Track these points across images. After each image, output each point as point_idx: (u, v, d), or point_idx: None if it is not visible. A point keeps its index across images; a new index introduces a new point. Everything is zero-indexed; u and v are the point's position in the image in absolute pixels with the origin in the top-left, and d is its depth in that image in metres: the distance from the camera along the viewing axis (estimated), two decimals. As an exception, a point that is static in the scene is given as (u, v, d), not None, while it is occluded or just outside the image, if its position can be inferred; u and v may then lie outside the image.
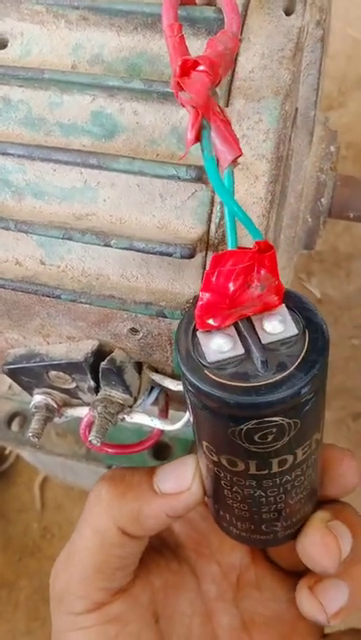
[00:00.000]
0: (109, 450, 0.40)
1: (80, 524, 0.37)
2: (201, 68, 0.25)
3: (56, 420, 0.41)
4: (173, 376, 0.38)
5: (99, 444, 0.37)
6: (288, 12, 0.31)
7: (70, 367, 0.37)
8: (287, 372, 0.26)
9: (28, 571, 0.76)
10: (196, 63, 0.25)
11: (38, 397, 0.40)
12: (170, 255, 0.31)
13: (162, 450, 0.57)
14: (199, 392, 0.26)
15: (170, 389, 0.38)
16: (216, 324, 0.27)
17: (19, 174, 0.33)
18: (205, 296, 0.26)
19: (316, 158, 0.41)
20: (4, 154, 0.32)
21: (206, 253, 0.32)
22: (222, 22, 0.30)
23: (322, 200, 0.41)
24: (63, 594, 0.37)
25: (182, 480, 0.35)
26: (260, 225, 0.31)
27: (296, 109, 0.36)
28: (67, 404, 0.41)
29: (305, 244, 0.43)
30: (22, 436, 0.59)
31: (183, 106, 0.26)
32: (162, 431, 0.41)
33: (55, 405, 0.40)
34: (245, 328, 0.27)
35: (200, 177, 0.30)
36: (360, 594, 0.36)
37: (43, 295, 0.33)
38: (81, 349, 0.37)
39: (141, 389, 0.39)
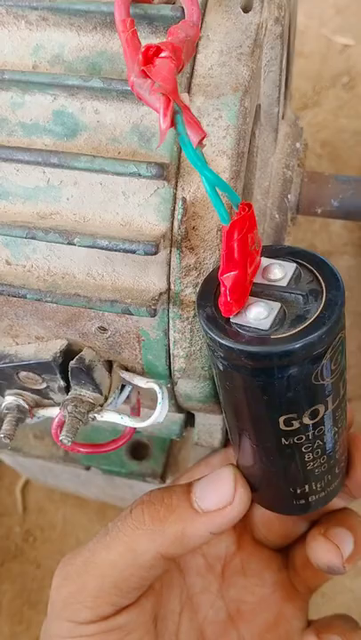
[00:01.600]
0: (82, 449, 0.40)
1: (108, 540, 0.36)
2: (164, 54, 0.25)
3: (28, 420, 0.41)
4: (143, 374, 0.38)
5: (69, 444, 0.37)
6: (246, 9, 0.32)
7: (40, 367, 0.37)
8: (324, 295, 0.28)
9: (11, 575, 0.75)
10: (158, 50, 0.25)
11: (9, 398, 0.40)
12: (133, 252, 0.31)
13: (140, 449, 0.57)
14: (268, 355, 0.27)
15: (140, 387, 0.38)
16: (241, 305, 0.28)
17: (-18, 175, 0.33)
18: (230, 276, 0.28)
19: (282, 155, 0.41)
20: (-35, 154, 0.32)
21: (170, 250, 0.32)
22: (179, 19, 0.30)
23: (289, 196, 0.42)
24: (70, 600, 0.36)
25: (223, 494, 0.35)
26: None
27: (259, 106, 0.36)
28: (38, 405, 0.41)
29: (273, 241, 0.43)
30: None
31: (140, 98, 0.27)
32: (135, 429, 0.41)
33: (27, 406, 0.40)
34: (263, 288, 0.29)
35: (161, 174, 0.30)
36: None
37: (9, 295, 0.33)
38: (50, 349, 0.37)
39: (112, 388, 0.39)
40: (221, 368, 0.30)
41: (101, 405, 0.38)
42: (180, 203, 0.31)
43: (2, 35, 0.32)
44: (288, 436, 0.31)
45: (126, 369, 0.39)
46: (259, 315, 0.28)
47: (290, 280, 0.29)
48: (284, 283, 0.29)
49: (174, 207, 0.31)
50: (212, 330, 0.28)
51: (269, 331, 0.28)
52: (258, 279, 0.30)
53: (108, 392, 0.39)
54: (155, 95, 0.25)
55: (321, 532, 0.38)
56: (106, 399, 0.38)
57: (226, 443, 0.48)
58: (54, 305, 0.35)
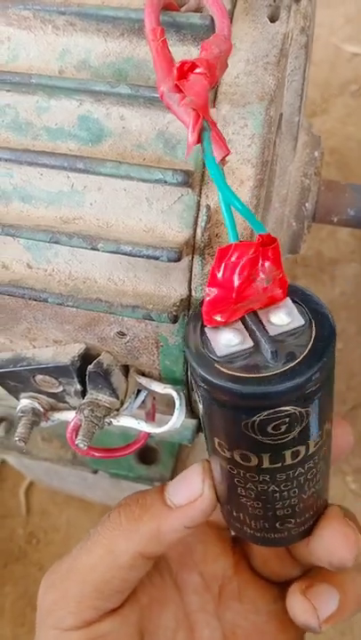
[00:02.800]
0: (96, 454, 0.40)
1: (89, 544, 0.37)
2: (199, 70, 0.25)
3: (42, 424, 0.41)
4: (160, 379, 0.38)
5: (85, 448, 0.37)
6: (273, 19, 0.32)
7: (57, 371, 0.37)
8: (297, 361, 0.26)
9: (14, 577, 0.75)
10: (193, 65, 0.25)
11: (25, 401, 0.40)
12: (156, 259, 0.31)
13: (148, 454, 0.57)
14: (211, 386, 0.27)
15: (157, 392, 0.38)
16: (223, 320, 0.28)
17: (5, 178, 0.33)
18: (212, 291, 0.27)
19: (300, 163, 0.42)
20: (-10, 158, 0.32)
21: (192, 257, 0.32)
22: (208, 28, 0.30)
23: (306, 205, 0.42)
24: (54, 607, 0.37)
25: (193, 488, 0.36)
26: (245, 230, 0.32)
27: (281, 115, 0.36)
28: (53, 408, 0.41)
29: (290, 249, 0.43)
30: (8, 441, 0.59)
31: (169, 108, 0.27)
32: (148, 435, 0.41)
33: (42, 409, 0.40)
34: (253, 321, 0.28)
35: (186, 181, 0.30)
36: (348, 604, 0.36)
37: (29, 299, 0.33)
38: (68, 353, 0.37)
39: (128, 393, 0.39)
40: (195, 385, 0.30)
41: (117, 410, 0.38)
42: (204, 210, 0.31)
43: (28, 39, 0.33)
44: (258, 471, 0.31)
45: (143, 374, 0.39)
46: (230, 341, 0.28)
47: (287, 332, 0.28)
48: (280, 330, 0.28)
49: (198, 214, 0.32)
50: (190, 354, 0.28)
51: (220, 359, 0.27)
52: (263, 312, 0.28)
53: (125, 397, 0.39)
54: (184, 108, 0.26)
55: (302, 588, 0.37)
56: (122, 404, 0.39)
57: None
58: (74, 309, 0.35)
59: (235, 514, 0.35)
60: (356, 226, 0.44)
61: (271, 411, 0.26)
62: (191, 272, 0.33)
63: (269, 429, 0.27)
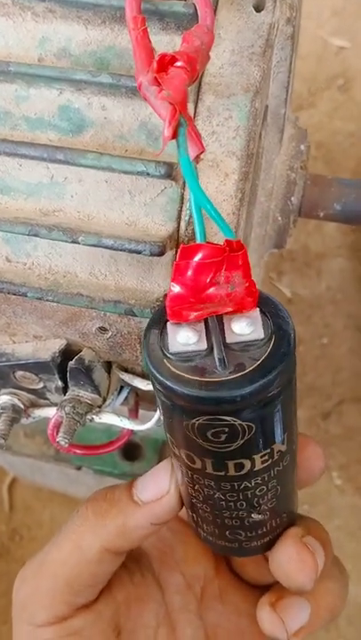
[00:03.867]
0: (78, 451, 0.39)
1: (59, 539, 0.37)
2: (179, 63, 0.24)
3: (23, 420, 0.41)
4: (143, 375, 0.38)
5: (67, 446, 0.36)
6: (258, 9, 0.31)
7: (37, 367, 0.37)
8: (242, 373, 0.25)
9: (-4, 574, 0.75)
10: (173, 59, 0.24)
11: (4, 398, 0.39)
12: (139, 252, 0.30)
13: (132, 450, 0.56)
14: (156, 381, 0.26)
15: (140, 389, 0.37)
16: (185, 317, 0.27)
17: (-16, 169, 0.32)
18: (175, 287, 0.26)
19: (286, 157, 0.41)
20: (-32, 148, 0.31)
21: (176, 251, 0.32)
22: (191, 17, 0.29)
23: (292, 199, 0.41)
24: (27, 602, 0.36)
25: (160, 485, 0.35)
26: (231, 223, 0.31)
27: (266, 107, 0.36)
28: (34, 405, 0.40)
29: (275, 243, 0.43)
30: (-11, 437, 0.58)
31: (147, 100, 0.26)
32: (132, 431, 0.40)
33: (22, 406, 0.39)
34: (214, 325, 0.27)
35: (170, 173, 0.29)
36: (320, 614, 0.35)
37: (8, 293, 0.33)
38: (48, 349, 0.36)
39: (110, 389, 0.38)
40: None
41: (100, 407, 0.38)
42: (187, 204, 0.30)
43: (7, 26, 0.32)
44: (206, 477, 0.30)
45: (126, 370, 0.38)
46: (187, 339, 0.27)
47: (244, 342, 0.26)
48: (237, 339, 0.27)
49: (181, 208, 0.31)
50: (148, 358, 0.27)
51: (172, 355, 0.26)
52: (227, 318, 0.27)
53: (107, 393, 0.38)
54: (161, 101, 0.25)
55: (271, 600, 0.36)
56: (104, 400, 0.38)
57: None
58: (54, 304, 0.34)
59: (190, 512, 0.35)
60: (342, 221, 0.43)
61: (210, 417, 0.25)
62: (174, 267, 0.32)
63: (209, 435, 0.26)
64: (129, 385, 0.38)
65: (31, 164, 0.31)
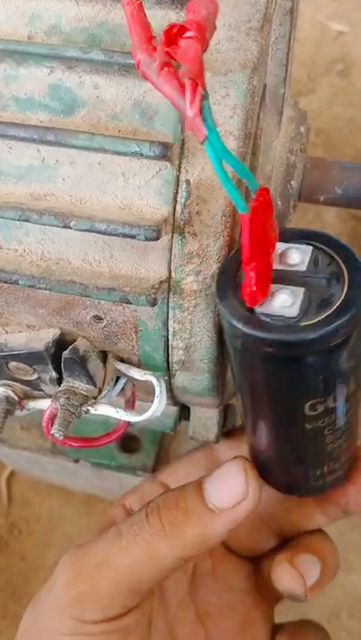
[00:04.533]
0: (74, 443, 0.38)
1: (126, 543, 0.36)
2: (189, 33, 0.23)
3: (17, 413, 0.39)
4: (140, 365, 0.37)
5: (62, 438, 0.35)
6: (256, -19, 0.30)
7: (31, 357, 0.35)
8: (345, 284, 0.27)
9: (-5, 568, 0.74)
10: (183, 29, 0.23)
11: (-1, 389, 0.38)
12: (133, 237, 0.29)
13: (130, 442, 0.55)
14: (288, 345, 0.27)
15: (136, 379, 0.36)
16: (266, 293, 0.28)
17: (-28, 152, 0.31)
18: (254, 265, 0.27)
19: (285, 139, 0.40)
20: None
21: (172, 236, 0.30)
22: (187, -10, 0.28)
23: (292, 182, 0.40)
24: (80, 599, 0.36)
25: (237, 490, 0.35)
26: (228, 206, 0.30)
27: (265, 86, 0.34)
28: (28, 397, 0.39)
29: (275, 229, 0.42)
30: (-15, 430, 0.57)
31: (146, 78, 0.25)
32: (129, 423, 0.39)
33: (16, 398, 0.38)
34: (282, 274, 0.28)
35: (164, 154, 0.28)
36: (328, 571, 0.38)
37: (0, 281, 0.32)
38: (42, 338, 0.35)
39: (106, 380, 0.37)
40: (247, 359, 0.29)
41: (95, 398, 0.37)
42: (183, 185, 0.29)
43: (-5, 2, 0.30)
44: (312, 420, 0.31)
45: (122, 360, 0.37)
46: (284, 302, 0.27)
47: (309, 264, 0.29)
48: (303, 267, 0.29)
49: (177, 190, 0.30)
50: (240, 322, 0.27)
51: (297, 318, 0.27)
52: (276, 265, 0.29)
53: (103, 384, 0.37)
54: (165, 77, 0.23)
55: (288, 557, 0.38)
56: (100, 391, 0.37)
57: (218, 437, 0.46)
58: (47, 292, 0.33)
59: (316, 471, 0.35)
60: (344, 205, 0.42)
61: (299, 359, 0.27)
62: (171, 252, 0.31)
63: (299, 379, 0.28)
64: (125, 375, 0.37)
65: (21, 147, 0.30)
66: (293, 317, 0.27)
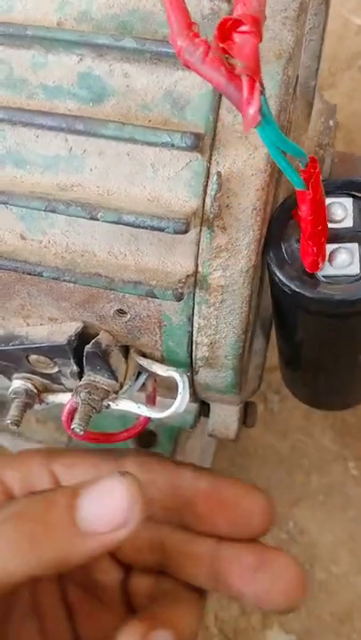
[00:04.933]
0: (93, 439, 0.38)
1: None
2: (244, 28, 0.22)
3: (36, 406, 0.39)
4: (162, 361, 0.36)
5: (82, 433, 0.35)
6: (292, -31, 0.29)
7: (52, 350, 0.35)
8: None
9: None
10: (238, 22, 0.22)
11: (17, 382, 0.37)
12: (162, 230, 0.28)
13: (147, 438, 0.55)
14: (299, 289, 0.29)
15: (159, 375, 0.36)
16: (325, 257, 0.29)
17: (-2, 141, 0.30)
18: (317, 233, 0.28)
19: (314, 133, 0.39)
20: (-18, 117, 0.29)
21: (200, 229, 0.30)
22: (222, -24, 0.27)
23: (320, 177, 0.39)
24: None
25: (116, 514, 0.30)
26: (259, 199, 0.29)
27: (296, 77, 0.34)
28: (48, 390, 0.39)
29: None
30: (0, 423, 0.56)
31: (188, 66, 0.24)
32: (149, 419, 0.39)
33: (35, 391, 0.38)
34: (334, 234, 0.29)
35: (196, 145, 0.27)
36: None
37: (23, 272, 0.31)
38: (64, 332, 0.35)
39: (128, 375, 0.36)
40: (312, 322, 0.31)
41: (116, 393, 0.36)
42: (214, 178, 0.28)
43: (24, -12, 0.30)
44: None
45: (144, 355, 0.36)
46: (343, 262, 0.29)
47: (354, 217, 0.30)
48: (350, 222, 0.30)
49: (207, 182, 0.29)
50: (305, 289, 0.29)
51: (360, 274, 0.29)
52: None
53: (124, 379, 0.36)
54: (210, 65, 0.23)
55: (142, 631, 0.32)
56: (121, 386, 0.36)
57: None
58: (71, 285, 0.32)
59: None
60: (370, 201, 0.41)
61: None
62: (199, 245, 0.30)
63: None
64: (147, 371, 0.36)
65: (49, 136, 0.30)
66: (356, 275, 0.28)
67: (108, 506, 0.30)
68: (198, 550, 0.36)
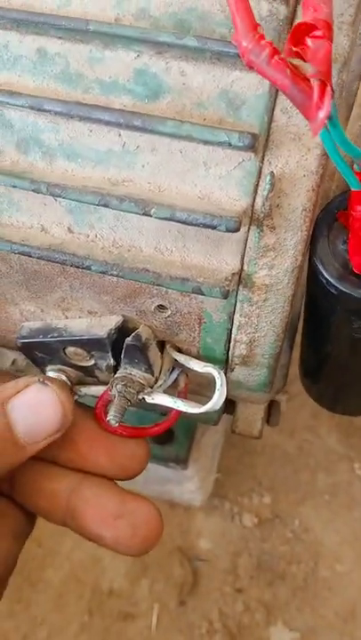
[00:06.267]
0: (124, 432, 0.38)
1: None
2: (318, 33, 0.22)
3: (69, 398, 0.39)
4: (198, 357, 0.36)
5: (117, 425, 0.35)
6: (349, -25, 0.29)
7: (91, 343, 0.35)
8: None
9: (12, 552, 0.74)
10: (312, 27, 0.22)
11: (52, 374, 0.38)
12: (214, 228, 0.29)
13: (164, 433, 0.55)
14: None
15: (195, 371, 0.36)
16: None
17: (51, 133, 0.30)
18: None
19: (351, 137, 0.39)
20: (38, 110, 0.29)
21: (249, 227, 0.30)
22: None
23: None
24: None
25: (53, 423, 0.32)
26: (309, 200, 0.29)
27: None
28: (81, 382, 0.39)
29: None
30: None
31: (252, 66, 0.24)
32: (179, 414, 0.39)
33: (69, 383, 0.38)
34: None
35: (253, 145, 0.28)
36: None
37: (72, 265, 0.31)
38: (104, 325, 0.35)
39: (163, 369, 0.37)
40: (347, 323, 0.33)
41: (151, 387, 0.37)
42: (267, 178, 0.29)
43: (83, -17, 0.30)
44: None
45: (179, 350, 0.37)
46: None
47: None
48: None
49: (258, 182, 0.29)
50: (353, 288, 0.30)
51: None
52: None
53: (159, 373, 0.37)
54: (275, 67, 0.23)
55: None
56: (156, 380, 0.37)
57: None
58: (114, 279, 0.33)
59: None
60: None
61: None
62: (246, 244, 0.31)
63: None
64: (184, 366, 0.37)
65: (102, 131, 0.30)
66: None
67: (43, 417, 0.33)
68: (57, 487, 0.37)
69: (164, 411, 0.38)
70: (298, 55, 0.22)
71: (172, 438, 0.55)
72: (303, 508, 0.76)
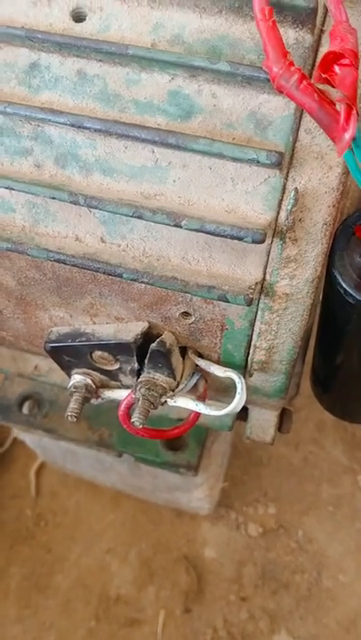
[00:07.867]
0: (146, 433, 0.40)
1: None
2: (345, 61, 0.25)
3: (92, 401, 0.41)
4: (218, 362, 0.38)
5: (141, 427, 0.37)
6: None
7: (118, 348, 0.37)
8: None
9: (20, 557, 0.75)
10: (339, 55, 0.25)
11: (78, 377, 0.40)
12: (241, 239, 0.31)
13: (175, 440, 0.57)
14: None
15: (216, 375, 0.38)
16: None
17: (88, 149, 0.32)
18: None
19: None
20: (78, 127, 0.31)
21: (272, 240, 0.32)
22: (310, 12, 0.30)
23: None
24: None
25: None
26: (330, 215, 0.32)
27: None
28: (104, 386, 0.41)
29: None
30: (33, 420, 0.58)
31: (282, 91, 0.26)
32: (198, 417, 0.41)
33: (94, 386, 0.40)
34: None
35: (279, 162, 0.30)
36: None
37: (104, 273, 0.33)
38: (130, 330, 0.37)
39: (184, 374, 0.39)
40: None
41: (173, 391, 0.38)
42: (291, 193, 0.31)
43: (121, 10, 0.32)
44: None
45: (200, 356, 0.39)
46: None
47: None
48: None
49: (282, 197, 0.31)
50: None
51: None
52: None
53: (181, 378, 0.38)
54: (304, 91, 0.25)
55: None
56: (178, 385, 0.38)
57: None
58: (142, 286, 0.35)
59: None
60: None
61: None
62: (269, 255, 0.33)
63: None
64: (204, 371, 0.38)
65: (137, 147, 0.32)
66: None
67: None
68: None
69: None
70: (326, 81, 0.25)
71: (183, 445, 0.56)
72: (307, 519, 0.77)
